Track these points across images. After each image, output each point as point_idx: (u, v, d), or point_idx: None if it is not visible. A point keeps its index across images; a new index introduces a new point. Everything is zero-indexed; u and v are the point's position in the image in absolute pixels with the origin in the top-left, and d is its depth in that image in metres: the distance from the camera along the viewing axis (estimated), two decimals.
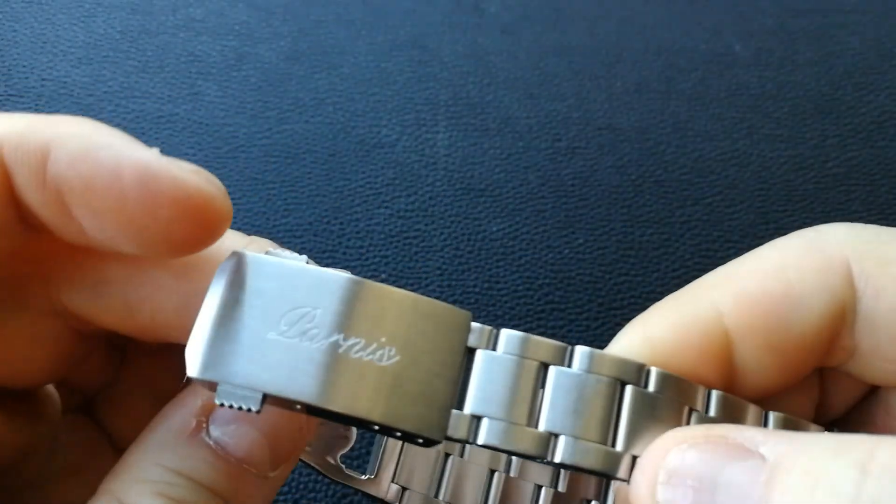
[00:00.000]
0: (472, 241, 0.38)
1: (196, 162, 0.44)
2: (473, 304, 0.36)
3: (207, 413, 0.18)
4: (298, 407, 0.17)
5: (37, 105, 0.42)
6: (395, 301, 0.17)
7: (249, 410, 0.17)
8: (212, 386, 0.17)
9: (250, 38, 0.45)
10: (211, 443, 0.18)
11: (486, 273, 0.37)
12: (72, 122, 0.17)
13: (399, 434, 0.17)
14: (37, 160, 0.17)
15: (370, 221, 0.39)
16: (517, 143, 0.42)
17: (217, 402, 0.17)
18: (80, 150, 0.17)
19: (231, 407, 0.17)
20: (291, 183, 0.40)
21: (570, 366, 0.17)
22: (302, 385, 0.17)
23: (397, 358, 0.17)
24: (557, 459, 0.17)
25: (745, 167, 0.41)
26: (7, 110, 0.41)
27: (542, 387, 0.17)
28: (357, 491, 0.26)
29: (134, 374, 0.23)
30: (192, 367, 0.17)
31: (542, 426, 0.17)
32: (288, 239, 0.38)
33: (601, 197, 0.40)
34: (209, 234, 0.18)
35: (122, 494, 0.17)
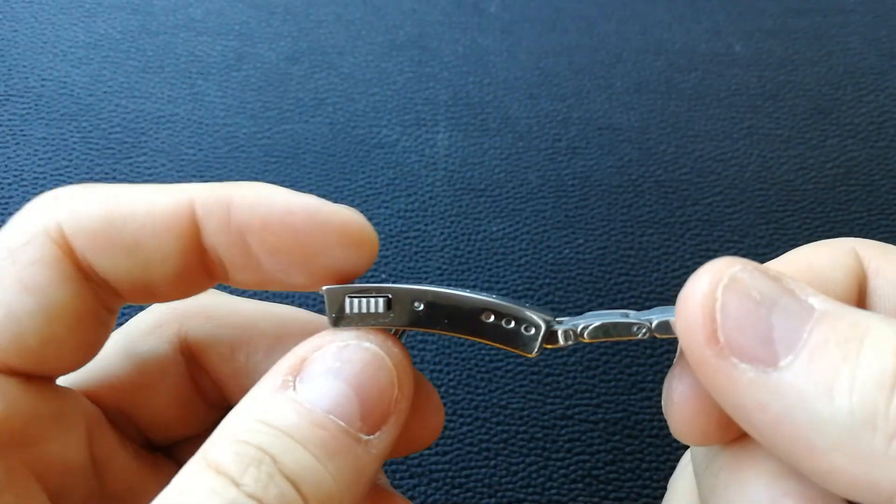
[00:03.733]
0: (472, 241, 0.38)
1: (196, 162, 0.44)
2: None
3: (295, 373, 0.19)
4: (420, 307, 0.20)
5: (37, 105, 0.42)
6: None
7: (378, 312, 0.19)
8: (337, 298, 0.20)
9: (250, 38, 0.45)
10: (297, 397, 0.18)
11: (486, 273, 0.37)
12: (246, 183, 0.21)
13: (512, 325, 0.20)
14: (222, 209, 0.20)
15: (370, 221, 0.39)
16: (517, 143, 0.42)
17: (349, 310, 0.20)
18: (256, 197, 0.20)
19: (369, 312, 0.19)
20: (291, 183, 0.40)
21: None
22: (423, 288, 0.20)
23: None
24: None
25: (745, 167, 0.41)
26: (7, 110, 0.41)
27: None
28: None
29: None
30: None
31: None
32: None
33: (601, 197, 0.40)
34: (367, 258, 0.21)
35: (207, 449, 0.18)
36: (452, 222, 0.39)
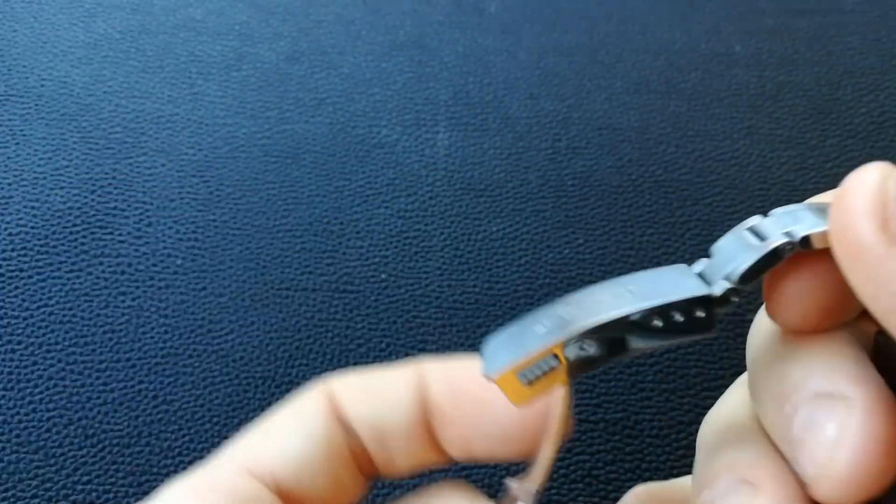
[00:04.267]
0: (472, 241, 0.38)
1: (196, 162, 0.44)
2: (473, 304, 0.36)
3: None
4: (590, 350, 0.18)
5: (37, 105, 0.42)
6: None
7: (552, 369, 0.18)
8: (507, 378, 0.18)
9: (250, 38, 0.45)
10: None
11: (486, 273, 0.37)
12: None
13: (679, 310, 0.17)
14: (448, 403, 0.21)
15: (370, 221, 0.39)
16: (517, 143, 0.42)
17: (525, 381, 0.18)
18: (468, 399, 0.21)
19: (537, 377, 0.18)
20: (291, 183, 0.40)
21: None
22: (582, 317, 0.18)
23: None
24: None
25: (745, 167, 0.41)
26: (7, 110, 0.41)
27: None
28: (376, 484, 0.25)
29: None
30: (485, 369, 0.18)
31: None
32: (288, 239, 0.38)
33: (601, 197, 0.40)
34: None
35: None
36: (452, 222, 0.39)
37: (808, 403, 0.18)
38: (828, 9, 0.48)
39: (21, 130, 0.41)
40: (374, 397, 0.22)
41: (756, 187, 0.41)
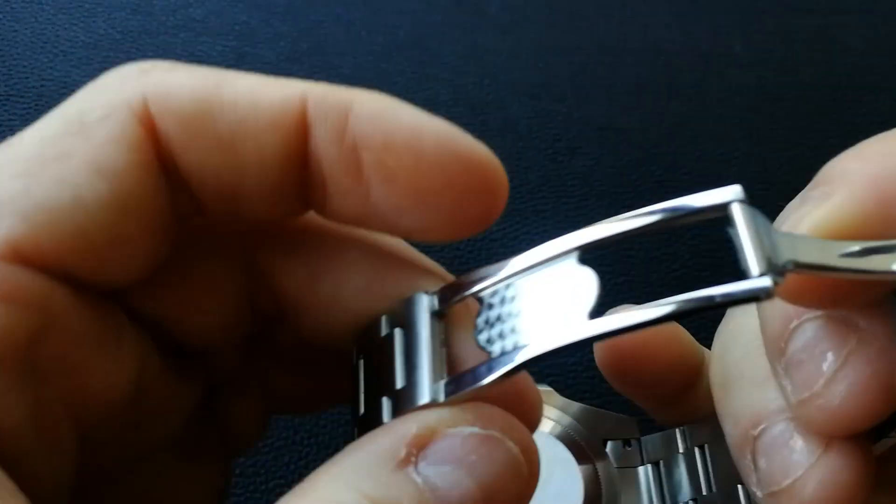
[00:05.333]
0: (472, 241, 0.38)
1: None
2: None
3: (420, 446, 0.16)
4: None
5: (37, 105, 0.42)
6: None
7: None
8: None
9: (250, 39, 0.45)
10: (419, 480, 0.15)
11: None
12: (366, 91, 0.17)
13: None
14: (340, 115, 0.16)
15: None
16: (517, 143, 0.42)
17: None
18: (382, 110, 0.17)
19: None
20: None
21: None
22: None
23: None
24: None
25: (745, 167, 0.41)
26: (7, 110, 0.41)
27: None
28: None
29: (253, 373, 0.21)
30: None
31: None
32: None
33: (601, 197, 0.40)
34: (494, 211, 0.18)
35: None
36: None
37: (815, 322, 0.18)
38: (828, 9, 0.48)
39: (21, 130, 0.41)
40: (221, 141, 0.16)
41: (756, 188, 0.40)
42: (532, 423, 0.18)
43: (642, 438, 0.27)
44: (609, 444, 0.26)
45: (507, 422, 0.16)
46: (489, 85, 0.44)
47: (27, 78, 0.43)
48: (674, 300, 0.16)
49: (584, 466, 0.25)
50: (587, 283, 0.17)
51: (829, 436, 0.18)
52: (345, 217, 0.18)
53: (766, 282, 0.15)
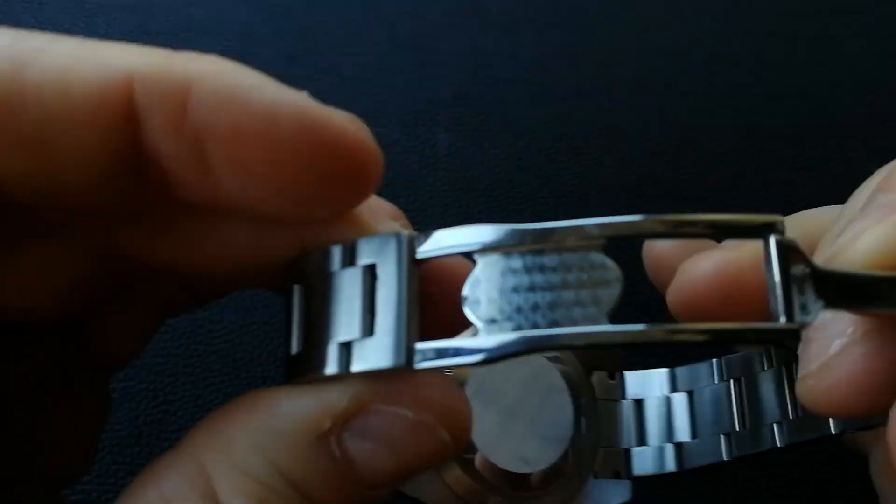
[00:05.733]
0: None
1: None
2: None
3: (348, 419, 0.15)
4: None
5: None
6: None
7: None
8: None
9: (250, 39, 0.45)
10: (338, 454, 0.15)
11: None
12: (210, 60, 0.15)
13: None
14: (175, 102, 0.14)
15: None
16: (517, 143, 0.42)
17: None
18: (227, 91, 0.14)
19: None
20: None
21: None
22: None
23: None
24: None
25: (745, 167, 0.41)
26: None
27: None
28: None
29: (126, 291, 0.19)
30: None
31: None
32: None
33: (601, 197, 0.40)
34: (368, 189, 0.16)
35: (216, 477, 0.14)
36: (452, 222, 0.39)
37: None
38: (828, 9, 0.48)
39: None
40: (24, 142, 0.13)
41: (756, 187, 0.41)
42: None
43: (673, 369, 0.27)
44: (594, 375, 0.27)
45: (447, 408, 0.15)
46: (489, 85, 0.44)
47: None
48: (705, 327, 0.15)
49: (573, 396, 0.26)
50: (612, 280, 0.15)
51: (818, 414, 0.18)
52: (197, 206, 0.15)
53: (793, 326, 0.15)
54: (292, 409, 0.15)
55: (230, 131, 0.14)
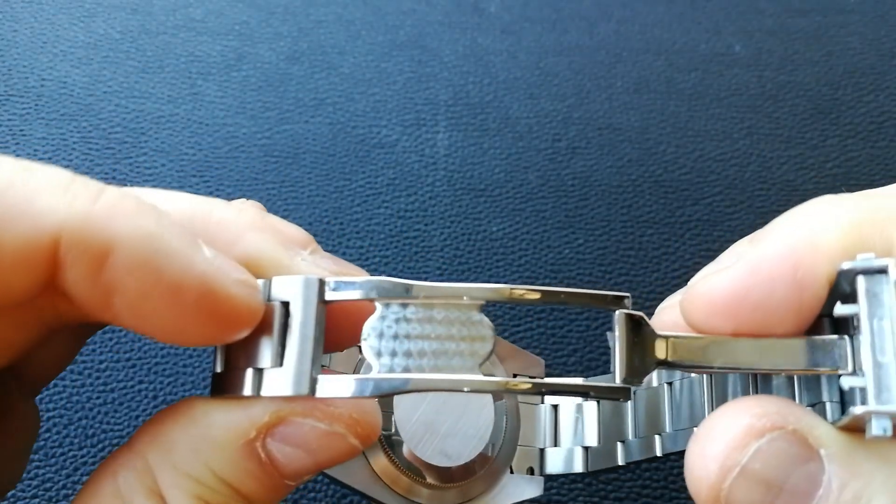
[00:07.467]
0: (472, 241, 0.38)
1: (196, 162, 0.44)
2: None
3: (270, 429, 0.18)
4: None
5: (37, 105, 0.42)
6: None
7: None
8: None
9: (250, 38, 0.45)
10: (263, 456, 0.18)
11: (486, 273, 0.37)
12: (137, 215, 0.16)
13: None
14: (94, 260, 0.16)
15: (370, 221, 0.39)
16: (517, 143, 0.42)
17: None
18: (143, 258, 0.16)
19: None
20: (291, 183, 0.40)
21: None
22: None
23: None
24: None
25: (745, 167, 0.41)
26: (7, 110, 0.41)
27: None
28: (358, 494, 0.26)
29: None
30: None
31: None
32: None
33: (601, 197, 0.40)
34: (235, 337, 0.18)
35: (161, 478, 0.17)
36: (452, 222, 0.39)
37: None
38: (828, 8, 0.48)
39: (21, 130, 0.41)
40: None
41: (756, 187, 0.41)
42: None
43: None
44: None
45: (355, 419, 0.18)
46: (489, 85, 0.44)
47: (27, 78, 0.43)
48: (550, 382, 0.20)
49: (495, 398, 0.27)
50: (485, 335, 0.18)
51: (691, 323, 0.20)
52: (93, 317, 0.18)
53: (626, 392, 0.18)
54: (223, 422, 0.18)
55: (139, 293, 0.16)
